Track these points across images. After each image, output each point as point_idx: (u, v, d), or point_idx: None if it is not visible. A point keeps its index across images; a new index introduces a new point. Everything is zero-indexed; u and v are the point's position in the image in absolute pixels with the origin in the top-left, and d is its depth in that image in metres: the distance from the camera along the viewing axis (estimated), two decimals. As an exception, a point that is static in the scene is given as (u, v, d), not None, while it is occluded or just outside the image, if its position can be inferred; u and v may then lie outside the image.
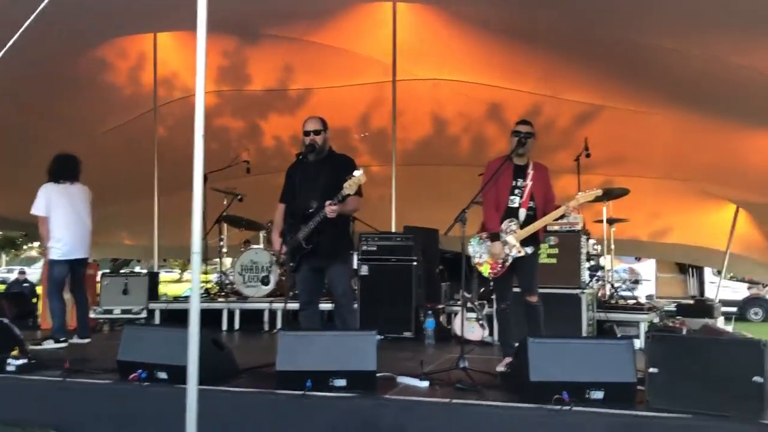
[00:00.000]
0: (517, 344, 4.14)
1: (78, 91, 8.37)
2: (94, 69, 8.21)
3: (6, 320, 4.99)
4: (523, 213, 4.66)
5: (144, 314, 7.72)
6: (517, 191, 4.73)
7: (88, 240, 6.44)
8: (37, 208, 6.16)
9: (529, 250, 4.65)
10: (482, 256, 4.74)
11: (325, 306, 5.84)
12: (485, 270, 4.75)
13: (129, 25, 7.31)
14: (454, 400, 3.71)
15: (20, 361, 4.47)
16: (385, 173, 8.38)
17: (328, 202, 4.61)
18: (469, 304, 6.37)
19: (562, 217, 4.68)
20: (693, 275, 16.76)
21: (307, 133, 4.94)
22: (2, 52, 3.07)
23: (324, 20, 7.44)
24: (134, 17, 6.83)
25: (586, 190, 4.62)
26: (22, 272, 17.43)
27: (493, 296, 6.41)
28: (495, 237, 4.68)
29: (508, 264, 4.64)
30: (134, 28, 7.58)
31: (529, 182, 4.69)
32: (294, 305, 5.15)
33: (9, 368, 4.43)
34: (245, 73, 8.74)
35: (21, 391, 4.28)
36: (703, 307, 8.52)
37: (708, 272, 16.29)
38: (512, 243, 4.60)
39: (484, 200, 4.83)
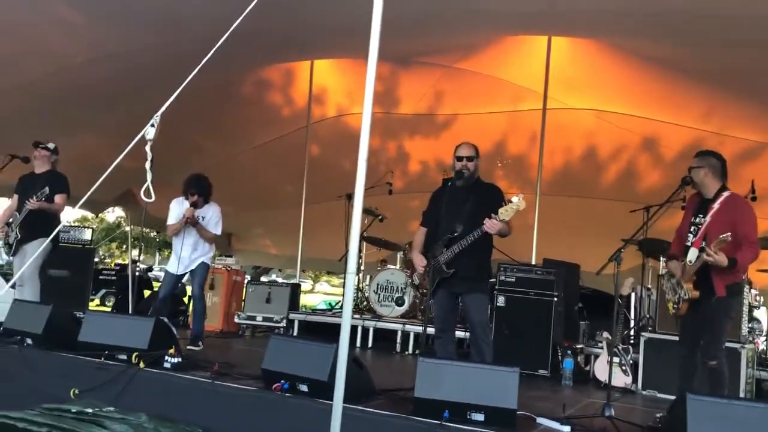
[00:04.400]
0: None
1: (240, 107, 8.94)
2: (256, 88, 8.74)
3: (165, 319, 5.35)
4: (693, 253, 4.23)
5: (284, 323, 8.02)
6: (693, 228, 4.34)
7: None
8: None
9: (692, 293, 4.18)
10: (668, 293, 4.47)
11: (459, 333, 5.78)
12: (669, 307, 4.47)
13: (292, 53, 7.72)
14: (598, 450, 3.51)
15: (175, 360, 4.77)
16: (526, 201, 8.21)
17: (487, 219, 4.53)
18: (613, 348, 6.05)
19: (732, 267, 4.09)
20: None
21: (460, 159, 4.92)
22: (189, 79, 3.31)
23: (476, 50, 7.47)
24: (297, 47, 7.20)
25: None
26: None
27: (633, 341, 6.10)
28: (671, 258, 4.49)
29: (681, 306, 4.28)
30: (296, 56, 8.00)
31: (707, 219, 4.22)
32: (431, 330, 5.13)
33: (165, 365, 4.75)
34: (395, 96, 8.94)
35: (174, 388, 4.54)
36: None
37: None
38: (683, 283, 4.25)
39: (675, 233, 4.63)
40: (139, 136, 3.14)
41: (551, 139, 8.03)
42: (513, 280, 6.64)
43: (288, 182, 10.32)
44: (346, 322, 3.32)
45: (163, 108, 3.09)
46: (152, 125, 3.09)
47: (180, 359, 4.81)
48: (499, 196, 4.96)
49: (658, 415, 4.07)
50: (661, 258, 6.00)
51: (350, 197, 8.56)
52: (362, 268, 9.14)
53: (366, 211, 8.98)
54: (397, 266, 8.85)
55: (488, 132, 9.05)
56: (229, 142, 9.77)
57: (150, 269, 14.04)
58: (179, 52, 5.46)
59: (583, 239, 8.77)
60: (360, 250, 9.06)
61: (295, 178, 9.48)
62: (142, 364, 4.69)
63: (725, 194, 4.24)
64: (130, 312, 8.38)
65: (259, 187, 10.98)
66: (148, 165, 3.20)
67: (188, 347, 6.07)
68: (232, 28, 3.24)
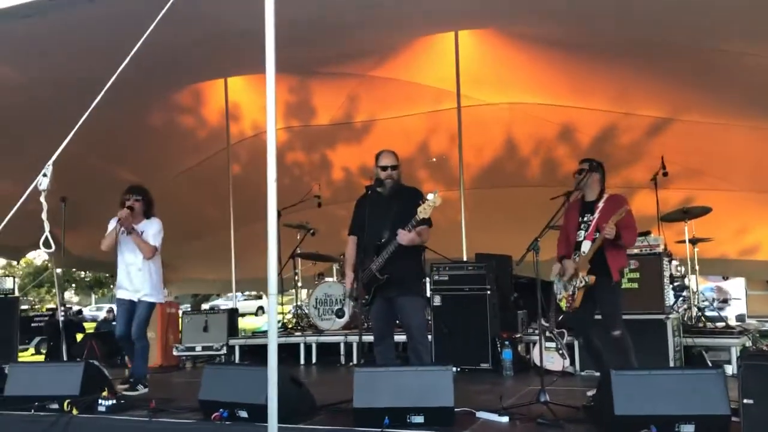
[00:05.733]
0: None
1: (154, 135, 8.75)
2: (168, 114, 8.57)
3: (96, 362, 5.19)
4: (587, 245, 4.72)
5: (224, 350, 7.88)
6: (583, 226, 4.84)
7: None
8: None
9: (589, 278, 4.63)
10: (561, 292, 4.90)
11: (399, 338, 5.81)
12: (563, 305, 4.91)
13: (202, 73, 7.61)
14: (536, 436, 3.60)
15: (110, 402, 4.63)
16: (453, 198, 8.37)
17: (400, 230, 4.60)
18: (547, 333, 6.20)
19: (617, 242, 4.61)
20: (788, 292, 15.80)
21: (384, 168, 4.95)
22: (93, 106, 3.24)
23: (387, 55, 7.53)
24: (206, 66, 7.11)
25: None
26: (110, 311, 18.03)
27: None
28: (561, 260, 4.88)
29: (576, 295, 4.72)
30: (207, 75, 7.90)
31: (596, 215, 4.75)
32: (369, 337, 5.14)
33: (100, 409, 4.60)
34: (312, 107, 8.94)
35: (111, 431, 4.42)
36: (800, 328, 7.98)
37: (804, 288, 15.31)
38: (576, 273, 4.71)
39: (559, 237, 5.08)
40: (31, 187, 3.06)
41: (472, 136, 8.17)
42: (446, 278, 6.75)
43: (215, 206, 10.17)
44: (272, 343, 3.31)
45: (54, 156, 3.01)
46: (44, 175, 3.01)
47: (114, 401, 4.68)
48: (421, 197, 5.01)
49: (589, 394, 4.21)
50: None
51: (279, 215, 8.55)
52: (299, 284, 9.09)
53: (297, 227, 8.94)
54: (334, 278, 8.84)
55: (409, 134, 9.16)
56: (149, 173, 9.53)
57: (80, 312, 13.56)
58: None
59: (513, 229, 8.94)
60: (295, 267, 9.00)
61: (221, 202, 9.35)
62: (75, 411, 4.53)
63: (606, 194, 4.86)
64: (64, 358, 8.09)
65: (186, 215, 10.73)
66: (44, 215, 3.11)
67: (125, 393, 5.47)
68: (129, 58, 3.18)
